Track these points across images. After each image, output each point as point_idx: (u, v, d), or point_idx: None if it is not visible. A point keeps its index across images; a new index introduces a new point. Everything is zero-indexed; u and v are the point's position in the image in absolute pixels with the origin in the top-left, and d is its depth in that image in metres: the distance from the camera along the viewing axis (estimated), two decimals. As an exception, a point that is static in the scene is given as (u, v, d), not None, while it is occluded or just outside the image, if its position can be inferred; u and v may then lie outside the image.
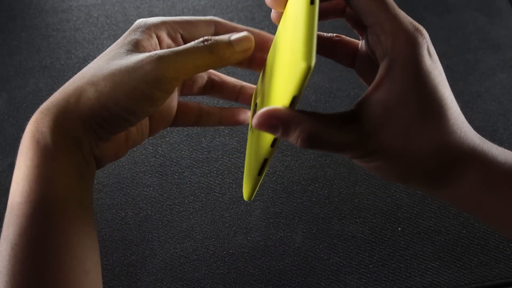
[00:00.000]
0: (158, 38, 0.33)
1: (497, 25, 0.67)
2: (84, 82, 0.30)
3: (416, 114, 0.27)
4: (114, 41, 0.66)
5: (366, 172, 0.56)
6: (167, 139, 0.58)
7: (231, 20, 0.68)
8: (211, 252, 0.52)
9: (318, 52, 0.35)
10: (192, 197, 0.54)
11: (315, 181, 0.55)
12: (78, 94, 0.30)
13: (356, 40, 0.35)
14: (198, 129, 0.58)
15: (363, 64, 0.34)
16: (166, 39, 0.33)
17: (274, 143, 0.28)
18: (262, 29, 0.67)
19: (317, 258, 0.51)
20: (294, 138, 0.27)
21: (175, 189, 0.55)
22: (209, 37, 0.31)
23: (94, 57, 0.63)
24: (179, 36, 0.33)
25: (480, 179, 0.29)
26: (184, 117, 0.38)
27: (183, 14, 0.67)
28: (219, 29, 0.34)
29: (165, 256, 0.51)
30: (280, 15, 0.33)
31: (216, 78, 0.39)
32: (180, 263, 0.51)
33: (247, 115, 0.39)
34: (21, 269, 0.28)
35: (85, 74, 0.31)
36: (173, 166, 0.56)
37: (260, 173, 0.31)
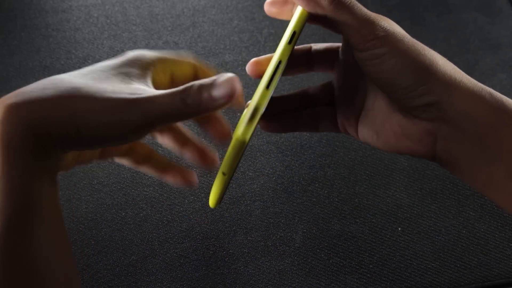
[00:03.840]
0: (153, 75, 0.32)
1: (497, 25, 0.67)
2: (71, 93, 0.29)
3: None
4: (114, 41, 0.66)
5: (366, 172, 0.56)
6: (167, 139, 0.58)
7: (231, 20, 0.68)
8: (211, 252, 0.52)
9: (294, 71, 0.38)
10: (192, 197, 0.54)
11: (315, 181, 0.55)
12: (58, 102, 0.29)
13: (334, 44, 0.38)
14: (198, 129, 0.58)
15: (345, 64, 0.37)
16: (160, 77, 0.33)
17: (292, 38, 0.31)
18: (262, 29, 0.67)
19: (317, 258, 0.51)
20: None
21: (175, 189, 0.55)
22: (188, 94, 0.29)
23: (94, 57, 0.63)
24: (169, 74, 0.34)
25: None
26: (131, 154, 0.38)
27: (183, 15, 0.67)
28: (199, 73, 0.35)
29: (165, 256, 0.51)
30: (255, 71, 0.35)
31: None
32: (180, 263, 0.51)
33: (194, 179, 0.39)
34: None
35: (72, 85, 0.29)
36: (173, 166, 0.56)
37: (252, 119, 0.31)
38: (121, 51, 0.63)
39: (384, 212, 0.54)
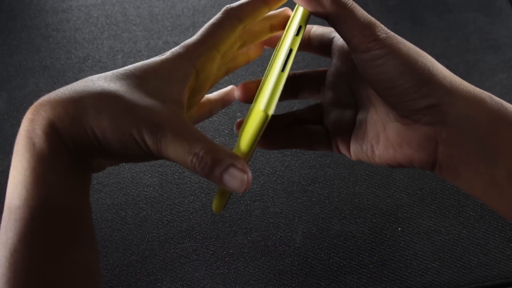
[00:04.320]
0: (197, 71, 0.33)
1: (497, 25, 0.67)
2: (107, 100, 0.29)
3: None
4: (114, 41, 0.66)
5: (366, 172, 0.56)
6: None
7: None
8: (211, 252, 0.52)
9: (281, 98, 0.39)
10: (192, 197, 0.54)
11: (315, 181, 0.55)
12: (88, 107, 0.29)
13: (320, 69, 0.39)
14: (198, 128, 0.58)
15: (334, 85, 0.38)
16: (205, 66, 0.33)
17: (299, 31, 0.31)
18: (262, 29, 0.67)
19: (317, 258, 0.52)
20: None
21: (175, 189, 0.55)
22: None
23: (94, 57, 0.63)
24: (216, 55, 0.34)
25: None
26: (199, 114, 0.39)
27: (183, 15, 0.67)
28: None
29: (165, 256, 0.51)
30: (243, 94, 0.37)
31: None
32: (180, 263, 0.51)
33: (234, 93, 0.39)
34: (23, 276, 0.27)
35: (111, 87, 0.30)
36: (173, 166, 0.56)
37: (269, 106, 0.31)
38: (121, 51, 0.63)
39: (384, 212, 0.54)
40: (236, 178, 0.28)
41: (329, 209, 0.54)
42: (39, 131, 0.29)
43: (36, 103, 0.30)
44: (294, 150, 0.57)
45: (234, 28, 0.34)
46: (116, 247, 0.52)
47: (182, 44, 0.33)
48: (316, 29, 0.39)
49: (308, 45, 0.39)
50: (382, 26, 0.32)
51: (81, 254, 0.29)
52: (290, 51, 0.30)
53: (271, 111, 0.27)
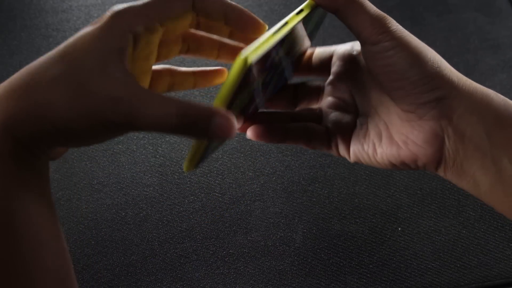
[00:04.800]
0: (135, 37, 0.29)
1: (497, 25, 0.67)
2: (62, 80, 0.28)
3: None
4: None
5: (366, 172, 0.56)
6: (167, 139, 0.58)
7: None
8: (211, 252, 0.52)
9: (278, 106, 0.40)
10: (192, 197, 0.54)
11: (315, 181, 0.55)
12: (44, 98, 0.28)
13: (318, 82, 0.40)
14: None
15: (334, 90, 0.38)
16: (144, 36, 0.30)
17: (300, 11, 0.31)
18: (262, 29, 0.67)
19: (317, 258, 0.51)
20: None
21: (175, 189, 0.55)
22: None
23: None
24: (157, 27, 0.30)
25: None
26: (156, 86, 0.36)
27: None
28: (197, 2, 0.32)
29: (165, 256, 0.51)
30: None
31: (192, 37, 0.36)
32: (180, 263, 0.51)
33: (224, 77, 0.37)
34: None
35: (67, 69, 0.28)
36: (173, 166, 0.56)
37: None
38: (121, 51, 0.63)
39: (384, 212, 0.54)
40: (222, 125, 0.27)
41: (329, 209, 0.54)
42: None
43: None
44: (294, 150, 0.57)
45: (186, 8, 0.31)
46: (116, 247, 0.52)
47: (124, 7, 0.29)
48: (318, 49, 0.39)
49: (308, 67, 0.39)
50: (392, 19, 0.33)
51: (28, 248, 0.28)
52: (286, 23, 0.30)
53: (251, 59, 0.26)
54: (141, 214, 0.53)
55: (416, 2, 0.68)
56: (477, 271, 0.51)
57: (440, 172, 0.34)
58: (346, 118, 0.37)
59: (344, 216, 0.54)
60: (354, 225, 0.53)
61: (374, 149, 0.35)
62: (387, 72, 0.32)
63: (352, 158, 0.37)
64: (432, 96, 0.31)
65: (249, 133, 0.37)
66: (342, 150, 0.37)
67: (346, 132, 0.37)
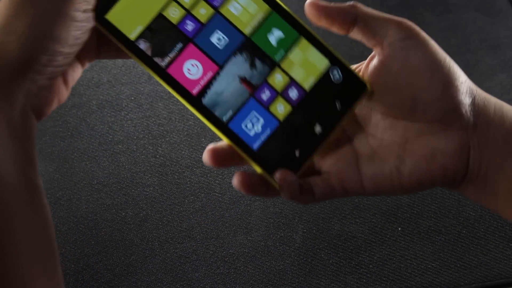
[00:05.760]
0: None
1: (497, 25, 0.67)
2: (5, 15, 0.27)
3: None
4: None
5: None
6: (167, 139, 0.58)
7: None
8: (211, 252, 0.52)
9: None
10: (192, 197, 0.54)
11: (315, 181, 0.55)
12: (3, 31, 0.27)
13: None
14: (198, 129, 0.58)
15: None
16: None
17: None
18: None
19: (317, 258, 0.51)
20: None
21: (175, 189, 0.55)
22: None
23: (94, 57, 0.63)
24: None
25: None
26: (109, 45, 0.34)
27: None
28: None
29: (165, 256, 0.51)
30: (214, 158, 0.31)
31: None
32: (180, 263, 0.51)
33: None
34: None
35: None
36: (173, 166, 0.56)
37: None
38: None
39: (384, 212, 0.54)
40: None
41: (329, 209, 0.54)
42: None
43: None
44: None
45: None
46: (116, 247, 0.52)
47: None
48: None
49: None
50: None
51: (23, 233, 0.27)
52: None
53: None
54: (141, 214, 0.53)
55: (416, 2, 0.68)
56: (477, 271, 0.51)
57: (462, 187, 0.32)
58: (343, 150, 0.32)
59: (344, 216, 0.54)
60: (354, 225, 0.53)
61: (399, 172, 0.31)
62: (416, 71, 0.30)
63: (367, 190, 0.32)
64: (463, 100, 0.30)
65: (235, 181, 0.32)
66: (352, 186, 0.32)
67: (350, 168, 0.32)
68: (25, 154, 0.28)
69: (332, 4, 0.31)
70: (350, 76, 0.31)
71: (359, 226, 0.53)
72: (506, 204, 0.31)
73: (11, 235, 0.26)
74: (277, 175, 0.30)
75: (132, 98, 0.59)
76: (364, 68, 0.33)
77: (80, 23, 0.28)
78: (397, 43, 0.30)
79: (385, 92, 0.31)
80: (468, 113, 0.31)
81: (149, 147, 0.57)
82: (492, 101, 0.32)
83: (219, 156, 0.31)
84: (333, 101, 0.31)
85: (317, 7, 0.31)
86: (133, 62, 0.62)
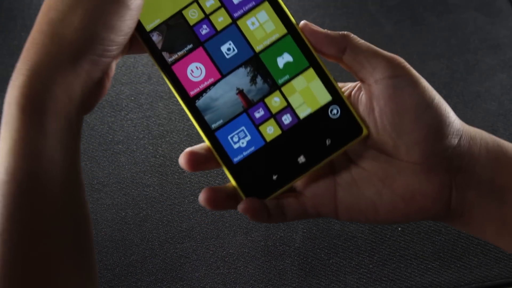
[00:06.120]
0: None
1: (497, 25, 0.67)
2: (58, 11, 0.28)
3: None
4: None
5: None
6: (167, 139, 0.58)
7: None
8: (211, 252, 0.52)
9: None
10: (192, 197, 0.54)
11: (315, 181, 0.55)
12: (58, 27, 0.28)
13: None
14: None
15: None
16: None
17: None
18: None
19: (317, 258, 0.52)
20: None
21: (175, 189, 0.55)
22: None
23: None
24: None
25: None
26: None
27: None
28: None
29: (165, 256, 0.51)
30: (191, 161, 0.31)
31: None
32: (180, 263, 0.51)
33: None
34: (10, 259, 0.25)
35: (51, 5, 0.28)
36: (173, 166, 0.56)
37: None
38: (121, 51, 0.63)
39: (384, 212, 0.54)
40: None
41: (329, 209, 0.54)
42: (29, 92, 0.27)
43: (20, 66, 0.29)
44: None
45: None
46: (116, 247, 0.52)
47: None
48: None
49: None
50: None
51: (67, 232, 0.27)
52: None
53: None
54: (141, 214, 0.53)
55: (416, 2, 0.68)
56: (477, 271, 0.51)
57: (447, 222, 0.32)
58: (322, 182, 0.32)
59: (344, 216, 0.54)
60: (354, 225, 0.53)
61: (375, 210, 0.31)
62: (400, 112, 0.29)
63: (341, 218, 0.32)
64: (447, 143, 0.29)
65: (240, 208, 0.31)
66: (326, 212, 0.32)
67: (326, 198, 0.31)
68: (78, 153, 0.29)
69: (325, 30, 0.31)
70: (349, 117, 0.31)
71: (359, 226, 0.53)
72: (494, 240, 0.31)
73: (55, 236, 0.27)
74: (240, 205, 0.30)
75: (132, 98, 0.59)
76: (349, 95, 0.32)
77: (132, 11, 0.29)
78: (384, 81, 0.29)
79: (369, 128, 0.31)
80: (452, 156, 0.29)
81: (149, 147, 0.57)
82: (478, 140, 0.30)
83: (195, 160, 0.30)
84: (324, 137, 0.31)
85: (309, 30, 0.31)
86: (133, 62, 0.62)
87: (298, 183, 0.32)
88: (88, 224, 0.29)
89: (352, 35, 0.30)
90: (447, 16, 0.67)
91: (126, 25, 0.29)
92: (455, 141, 0.29)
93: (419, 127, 0.29)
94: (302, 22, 0.31)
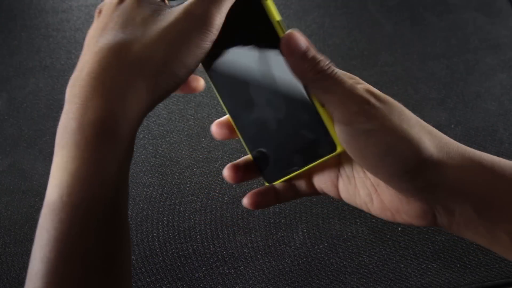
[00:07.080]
0: None
1: (497, 25, 0.67)
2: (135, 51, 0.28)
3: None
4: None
5: (366, 172, 0.56)
6: (167, 139, 0.58)
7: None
8: (211, 252, 0.52)
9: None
10: (192, 197, 0.54)
11: (315, 181, 0.55)
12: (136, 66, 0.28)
13: None
14: (198, 129, 0.58)
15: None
16: None
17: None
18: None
19: (317, 258, 0.51)
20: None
21: (175, 189, 0.55)
22: None
23: (94, 57, 0.63)
24: None
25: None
26: None
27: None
28: None
29: (165, 256, 0.51)
30: (221, 133, 0.36)
31: None
32: (180, 263, 0.51)
33: (200, 84, 0.37)
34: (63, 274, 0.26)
35: (124, 48, 0.29)
36: (173, 166, 0.56)
37: None
38: (121, 51, 0.63)
39: (384, 212, 0.54)
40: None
41: (329, 209, 0.54)
42: (91, 115, 0.27)
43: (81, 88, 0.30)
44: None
45: None
46: (116, 247, 0.52)
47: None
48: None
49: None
50: (377, 92, 0.29)
51: (124, 254, 0.28)
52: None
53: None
54: (141, 214, 0.53)
55: (416, 2, 0.68)
56: (477, 271, 0.51)
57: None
58: (326, 173, 0.34)
59: (344, 216, 0.53)
60: (354, 225, 0.53)
61: (368, 208, 0.33)
62: (363, 157, 0.29)
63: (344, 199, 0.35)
64: (413, 185, 0.28)
65: (246, 202, 0.36)
66: (331, 193, 0.35)
67: (329, 180, 0.34)
68: (126, 172, 0.29)
69: (309, 52, 0.29)
70: (325, 134, 0.30)
71: (359, 226, 0.53)
72: (489, 248, 0.31)
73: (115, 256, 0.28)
74: (244, 200, 0.36)
75: (132, 98, 0.59)
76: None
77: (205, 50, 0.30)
78: (345, 127, 0.29)
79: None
80: (428, 189, 0.29)
81: (149, 147, 0.57)
82: (460, 162, 0.29)
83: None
84: (300, 149, 0.32)
85: (287, 44, 0.30)
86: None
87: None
88: (130, 249, 0.30)
89: (330, 65, 0.29)
90: (447, 16, 0.67)
91: (198, 60, 0.30)
92: (424, 182, 0.28)
93: (383, 171, 0.29)
94: (289, 33, 0.31)
